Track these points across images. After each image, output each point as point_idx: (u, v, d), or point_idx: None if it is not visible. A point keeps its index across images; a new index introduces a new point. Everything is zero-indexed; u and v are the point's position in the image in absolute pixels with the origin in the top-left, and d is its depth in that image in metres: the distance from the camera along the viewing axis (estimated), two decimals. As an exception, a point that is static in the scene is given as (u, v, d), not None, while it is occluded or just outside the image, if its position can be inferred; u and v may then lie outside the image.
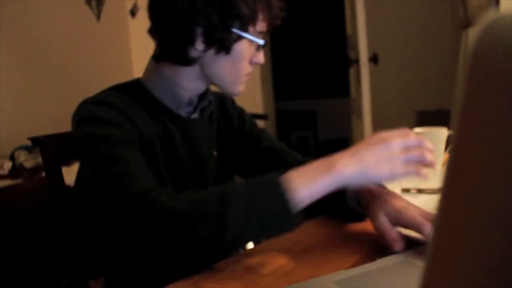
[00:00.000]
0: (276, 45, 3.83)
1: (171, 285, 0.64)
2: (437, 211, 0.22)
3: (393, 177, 0.72)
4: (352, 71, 2.84)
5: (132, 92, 0.87)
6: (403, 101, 3.06)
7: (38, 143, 0.96)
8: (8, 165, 2.31)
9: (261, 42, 0.85)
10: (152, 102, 0.87)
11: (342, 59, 3.21)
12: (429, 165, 0.73)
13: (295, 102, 4.86)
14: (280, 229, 0.69)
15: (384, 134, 0.73)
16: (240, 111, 1.06)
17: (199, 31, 0.81)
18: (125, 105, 0.82)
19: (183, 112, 0.89)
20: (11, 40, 2.61)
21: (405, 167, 0.71)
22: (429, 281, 0.23)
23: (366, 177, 0.71)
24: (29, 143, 0.98)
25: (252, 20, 0.83)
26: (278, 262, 0.70)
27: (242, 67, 0.86)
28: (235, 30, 0.82)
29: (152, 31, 0.87)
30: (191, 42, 0.82)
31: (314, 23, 4.69)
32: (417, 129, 1.13)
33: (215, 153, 0.97)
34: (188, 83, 0.88)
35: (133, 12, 3.05)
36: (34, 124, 2.60)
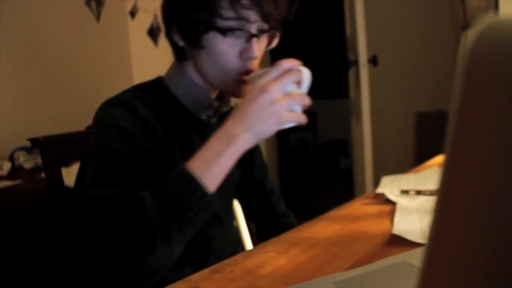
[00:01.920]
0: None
1: (170, 285, 0.64)
2: (434, 212, 0.22)
3: (281, 127, 0.72)
4: (351, 73, 2.84)
5: (155, 92, 0.87)
6: (403, 102, 3.06)
7: (38, 144, 0.96)
8: (7, 166, 2.31)
9: (219, 30, 0.78)
10: (173, 103, 0.87)
11: (341, 61, 3.21)
12: (305, 106, 0.75)
13: (295, 103, 4.86)
14: (204, 217, 0.70)
15: (262, 80, 0.72)
16: None
17: (174, 27, 0.82)
18: (145, 109, 0.82)
19: (203, 115, 0.89)
20: (11, 41, 2.61)
21: (292, 116, 0.72)
22: (426, 282, 0.23)
23: (259, 137, 0.72)
24: (28, 144, 0.98)
25: (212, 10, 0.77)
26: (277, 263, 0.70)
27: (226, 61, 0.80)
28: (202, 22, 0.78)
29: None
30: (171, 37, 0.84)
31: (313, 24, 4.69)
32: (254, 74, 0.88)
33: None
34: (196, 79, 0.87)
35: (132, 13, 3.05)
36: (33, 125, 2.60)
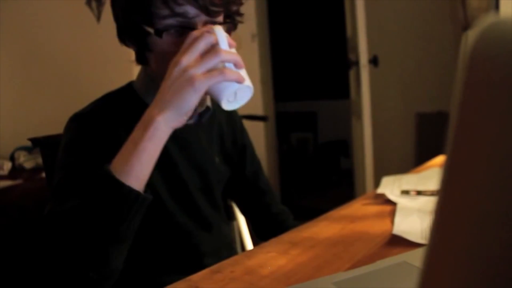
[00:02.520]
0: (276, 46, 3.84)
1: (170, 285, 0.64)
2: (434, 212, 0.22)
3: (199, 93, 0.65)
4: (352, 73, 2.84)
5: (124, 98, 0.85)
6: (403, 103, 3.07)
7: (38, 143, 0.96)
8: (8, 165, 2.31)
9: (152, 31, 0.73)
10: (143, 108, 0.84)
11: (342, 61, 3.21)
12: (237, 65, 0.68)
13: (295, 104, 4.87)
14: (137, 215, 0.67)
15: (177, 56, 0.67)
16: (246, 132, 1.06)
17: (121, 31, 0.80)
18: (111, 118, 0.81)
19: None
20: (11, 41, 2.61)
21: (207, 76, 0.65)
22: (427, 283, 0.23)
23: (180, 112, 0.66)
24: (29, 143, 0.98)
25: (147, 10, 0.73)
26: (277, 263, 0.70)
27: None
28: (144, 26, 0.74)
29: None
30: (124, 42, 0.81)
31: (314, 24, 4.70)
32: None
33: (217, 158, 0.96)
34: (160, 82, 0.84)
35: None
36: (34, 125, 2.60)
